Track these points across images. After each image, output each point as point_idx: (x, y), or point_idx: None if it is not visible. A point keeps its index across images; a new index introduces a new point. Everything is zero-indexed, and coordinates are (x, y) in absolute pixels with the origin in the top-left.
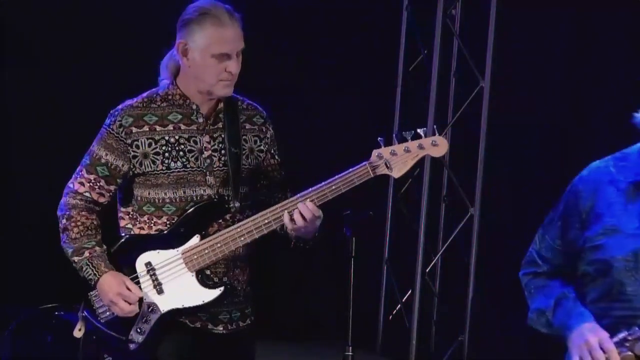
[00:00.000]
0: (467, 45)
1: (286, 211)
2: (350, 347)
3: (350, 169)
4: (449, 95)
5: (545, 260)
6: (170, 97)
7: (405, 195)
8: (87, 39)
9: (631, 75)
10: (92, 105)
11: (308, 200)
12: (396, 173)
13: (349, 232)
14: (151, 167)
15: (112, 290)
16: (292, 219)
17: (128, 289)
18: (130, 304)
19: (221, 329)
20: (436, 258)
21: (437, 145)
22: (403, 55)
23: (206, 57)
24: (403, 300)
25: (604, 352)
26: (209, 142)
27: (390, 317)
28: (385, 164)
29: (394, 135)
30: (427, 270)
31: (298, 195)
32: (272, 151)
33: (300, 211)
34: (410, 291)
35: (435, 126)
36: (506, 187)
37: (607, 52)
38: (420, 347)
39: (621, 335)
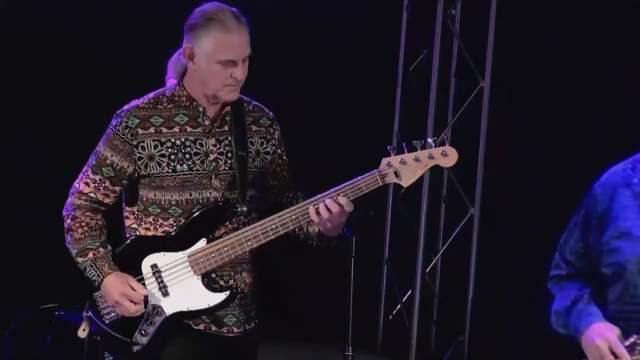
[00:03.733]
0: (467, 45)
1: (311, 205)
2: (350, 347)
3: (360, 177)
4: (449, 95)
5: (568, 263)
6: (176, 98)
7: (405, 195)
8: (94, 37)
9: (632, 75)
10: (98, 105)
11: (337, 196)
12: (405, 182)
13: (349, 232)
14: (157, 169)
15: (116, 291)
16: (318, 213)
17: (132, 288)
18: (135, 303)
19: (225, 331)
20: (436, 258)
21: (447, 156)
22: (403, 55)
23: (212, 63)
24: (403, 300)
25: (615, 356)
26: (215, 145)
27: (390, 317)
28: (395, 172)
29: (403, 144)
30: (427, 270)
31: (307, 200)
32: (280, 151)
33: (326, 204)
34: (410, 291)
35: (445, 136)
36: (506, 187)
37: (608, 52)
38: (420, 347)
39: (631, 339)
